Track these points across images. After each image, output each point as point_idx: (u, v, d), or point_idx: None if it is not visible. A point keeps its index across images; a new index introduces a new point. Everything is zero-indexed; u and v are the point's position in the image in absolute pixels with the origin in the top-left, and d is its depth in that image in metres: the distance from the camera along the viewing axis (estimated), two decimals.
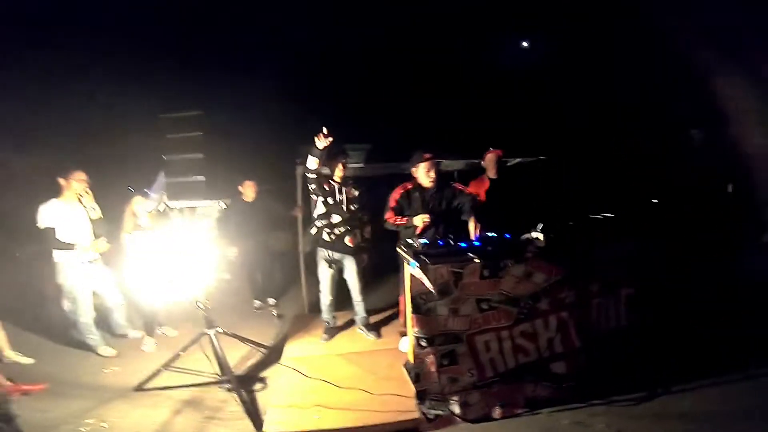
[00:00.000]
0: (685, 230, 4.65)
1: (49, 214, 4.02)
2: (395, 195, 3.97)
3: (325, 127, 3.81)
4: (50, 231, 4.00)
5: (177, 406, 3.32)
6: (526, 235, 3.26)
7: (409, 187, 3.98)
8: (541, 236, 3.19)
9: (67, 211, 4.09)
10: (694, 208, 5.73)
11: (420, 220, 3.77)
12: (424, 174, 3.90)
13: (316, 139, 3.87)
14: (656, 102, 6.82)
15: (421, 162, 3.89)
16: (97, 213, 4.21)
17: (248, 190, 5.35)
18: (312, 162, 3.83)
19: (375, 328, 4.50)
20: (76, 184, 4.08)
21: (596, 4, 6.95)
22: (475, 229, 4.07)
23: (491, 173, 4.50)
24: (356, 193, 4.19)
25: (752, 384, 3.09)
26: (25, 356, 4.06)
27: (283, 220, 5.44)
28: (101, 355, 4.22)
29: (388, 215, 3.95)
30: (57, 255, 4.10)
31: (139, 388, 3.56)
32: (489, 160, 4.51)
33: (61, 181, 4.08)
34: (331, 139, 3.78)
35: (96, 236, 4.20)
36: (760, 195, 5.92)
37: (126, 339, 4.58)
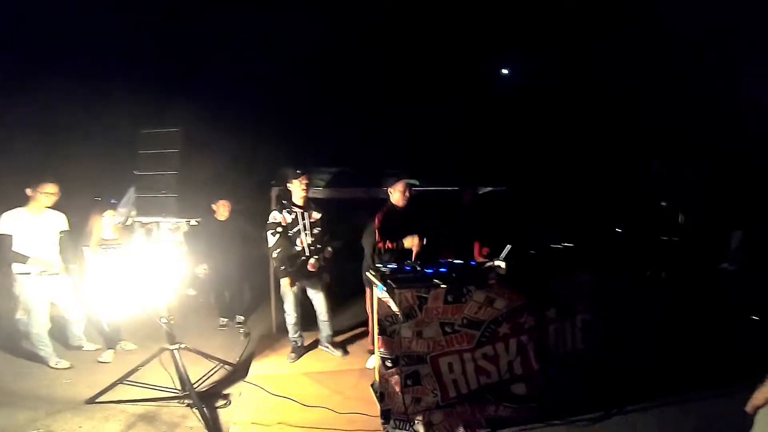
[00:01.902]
0: (640, 260, 4.97)
1: (9, 222, 3.95)
2: (378, 220, 3.95)
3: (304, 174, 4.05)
4: (8, 239, 3.92)
5: (130, 420, 3.25)
6: (489, 263, 3.43)
7: (385, 210, 4.00)
8: (503, 264, 3.36)
9: (30, 222, 4.03)
10: (649, 238, 6.10)
11: (410, 243, 3.81)
12: (400, 195, 3.95)
13: (290, 185, 4.07)
14: (618, 134, 7.23)
15: (398, 183, 3.93)
16: (63, 226, 4.20)
17: (222, 209, 5.40)
18: (276, 215, 4.04)
19: (341, 346, 4.56)
20: (43, 197, 4.04)
21: (564, 40, 7.39)
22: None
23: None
24: (318, 216, 4.24)
25: (698, 406, 3.30)
26: None
27: (255, 240, 5.47)
28: (53, 367, 4.12)
29: (380, 242, 3.89)
30: (15, 266, 4.01)
31: (92, 400, 3.47)
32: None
33: (29, 191, 4.03)
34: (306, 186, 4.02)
35: (62, 249, 4.16)
36: (718, 225, 6.31)
37: (81, 351, 4.48)
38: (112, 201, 4.43)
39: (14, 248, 3.94)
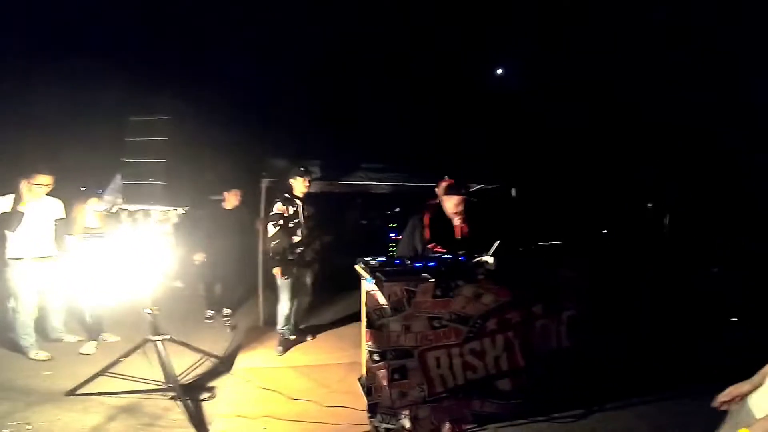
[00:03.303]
0: (625, 258, 5.03)
1: (3, 206, 3.93)
2: (427, 218, 3.93)
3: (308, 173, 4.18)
4: (17, 215, 3.90)
5: (111, 412, 3.20)
6: (478, 258, 3.43)
7: (434, 212, 3.97)
8: (491, 260, 3.37)
9: (26, 208, 3.99)
10: (635, 238, 6.18)
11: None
12: (453, 206, 3.92)
13: (293, 181, 4.17)
14: (607, 135, 7.31)
15: (455, 196, 3.89)
16: (59, 214, 4.22)
17: (232, 198, 5.38)
18: (280, 206, 4.15)
19: (304, 332, 4.75)
20: (36, 188, 4.01)
21: (557, 38, 7.44)
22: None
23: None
24: (312, 210, 4.40)
25: (676, 405, 3.36)
26: None
27: (251, 231, 5.43)
28: (32, 359, 4.05)
29: (429, 240, 3.87)
30: (8, 250, 3.98)
31: (72, 392, 3.41)
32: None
33: (23, 181, 3.96)
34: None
35: (57, 237, 4.16)
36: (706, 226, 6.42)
37: (61, 343, 4.42)
38: (99, 191, 4.38)
39: (7, 233, 3.92)
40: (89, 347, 4.34)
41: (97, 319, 4.45)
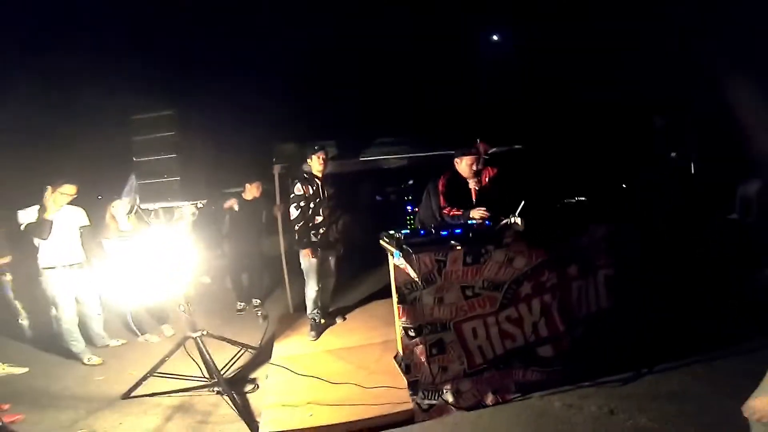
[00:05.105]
0: (652, 212, 4.83)
1: (28, 219, 3.99)
2: (442, 184, 3.90)
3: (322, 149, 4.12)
4: (46, 224, 3.96)
5: (167, 413, 3.28)
6: (505, 220, 3.31)
7: (449, 175, 3.93)
8: (519, 221, 3.24)
9: (52, 218, 4.04)
10: (660, 190, 5.96)
11: (478, 214, 3.68)
12: (468, 167, 3.85)
13: (309, 161, 4.11)
14: (623, 89, 7.00)
15: (468, 155, 3.83)
16: (83, 221, 4.32)
17: (254, 189, 5.40)
18: (300, 187, 4.10)
19: (333, 315, 4.80)
20: (61, 197, 4.06)
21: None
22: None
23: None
24: (332, 191, 4.31)
25: (734, 361, 3.15)
26: (19, 366, 4.11)
27: (273, 223, 5.42)
28: (86, 363, 4.17)
29: (446, 207, 3.85)
30: (40, 260, 4.09)
31: (127, 396, 3.50)
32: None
33: (49, 190, 3.99)
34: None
35: (83, 244, 4.29)
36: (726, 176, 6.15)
37: (107, 348, 4.53)
38: (99, 197, 4.45)
39: (36, 244, 4.02)
40: (151, 338, 4.70)
41: (141, 317, 4.65)
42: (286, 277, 5.21)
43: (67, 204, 4.15)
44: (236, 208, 5.36)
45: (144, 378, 3.53)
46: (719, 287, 4.22)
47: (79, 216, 4.31)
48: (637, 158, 6.68)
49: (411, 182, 9.07)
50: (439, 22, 7.35)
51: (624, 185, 6.32)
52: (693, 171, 6.59)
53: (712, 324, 3.65)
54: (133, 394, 3.50)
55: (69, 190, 4.07)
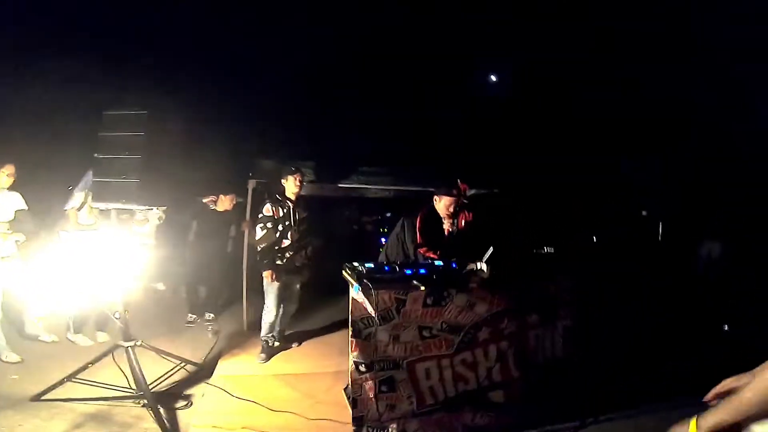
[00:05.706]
0: (618, 267, 4.93)
1: None
2: (420, 221, 3.86)
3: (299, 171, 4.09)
4: None
5: (78, 420, 3.02)
6: (471, 266, 3.28)
7: (426, 213, 3.91)
8: (485, 267, 3.22)
9: None
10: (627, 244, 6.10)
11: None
12: (445, 208, 3.84)
13: (285, 181, 4.07)
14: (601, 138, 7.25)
15: (448, 195, 3.81)
16: (20, 205, 3.97)
17: (226, 202, 5.25)
18: (270, 208, 4.03)
19: (290, 339, 4.60)
20: (3, 177, 3.82)
21: (552, 47, 7.39)
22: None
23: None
24: (305, 214, 4.25)
25: (682, 415, 3.18)
26: None
27: (241, 238, 5.31)
28: (2, 360, 3.86)
29: (421, 243, 3.82)
30: None
31: (37, 398, 3.22)
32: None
33: None
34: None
35: (18, 230, 3.94)
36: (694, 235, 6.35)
37: (34, 345, 4.24)
38: (69, 187, 4.23)
39: None
40: (80, 339, 4.37)
41: (80, 316, 4.36)
42: (244, 294, 5.04)
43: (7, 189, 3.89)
44: (212, 207, 5.25)
45: (60, 382, 3.28)
46: (677, 344, 4.37)
47: (15, 201, 3.96)
48: (610, 214, 6.85)
49: (388, 215, 9.07)
50: (433, 64, 7.55)
51: (594, 239, 6.44)
52: (661, 230, 6.79)
53: (664, 380, 3.69)
54: (45, 397, 3.22)
55: (8, 169, 3.83)
